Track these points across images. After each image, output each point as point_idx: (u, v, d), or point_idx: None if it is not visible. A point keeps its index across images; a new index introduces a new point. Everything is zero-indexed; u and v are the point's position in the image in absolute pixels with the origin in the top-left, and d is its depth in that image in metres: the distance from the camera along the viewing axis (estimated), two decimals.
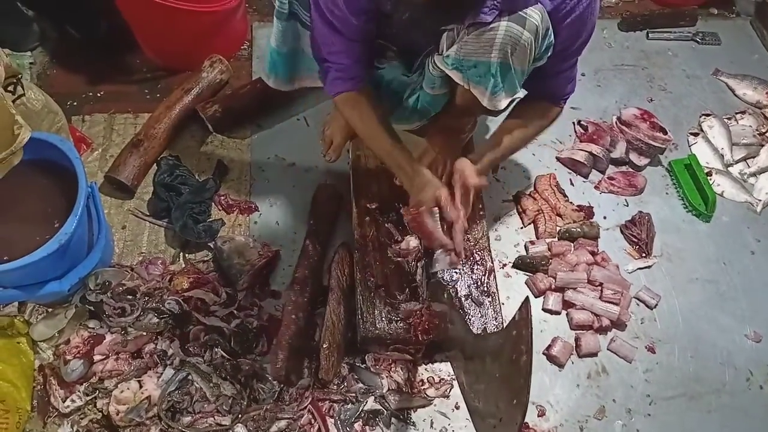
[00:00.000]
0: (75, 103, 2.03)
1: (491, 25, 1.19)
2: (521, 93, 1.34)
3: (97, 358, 1.54)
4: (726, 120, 2.18)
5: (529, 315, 0.92)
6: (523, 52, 1.22)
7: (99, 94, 2.06)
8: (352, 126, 1.59)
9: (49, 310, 1.62)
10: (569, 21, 1.26)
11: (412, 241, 1.67)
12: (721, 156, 2.10)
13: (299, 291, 1.65)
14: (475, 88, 1.30)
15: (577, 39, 1.33)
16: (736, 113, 2.22)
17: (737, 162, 2.10)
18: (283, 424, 1.52)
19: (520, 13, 1.18)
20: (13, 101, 1.48)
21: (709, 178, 2.02)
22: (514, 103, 1.46)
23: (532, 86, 1.42)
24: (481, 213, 1.77)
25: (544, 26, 1.22)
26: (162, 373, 1.53)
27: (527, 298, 0.95)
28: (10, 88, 1.48)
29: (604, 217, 1.95)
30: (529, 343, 0.89)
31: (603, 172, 2.03)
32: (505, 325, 1.58)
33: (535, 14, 1.20)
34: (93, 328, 1.59)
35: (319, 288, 1.71)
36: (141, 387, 1.51)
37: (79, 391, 1.52)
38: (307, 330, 1.64)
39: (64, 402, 1.51)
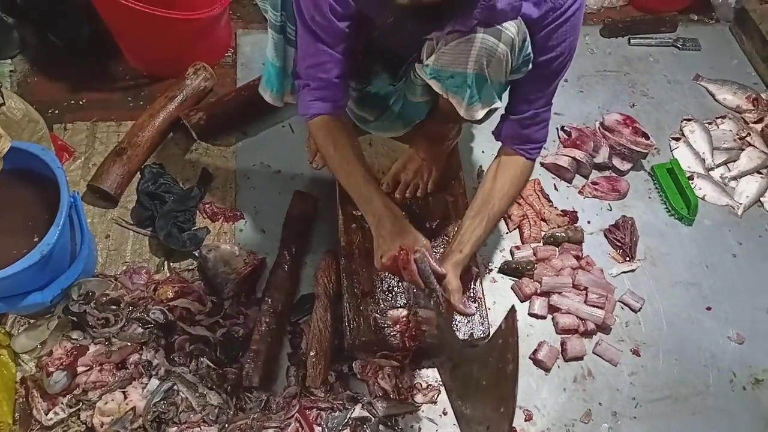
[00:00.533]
0: (57, 112, 2.01)
1: (467, 36, 1.19)
2: (498, 103, 1.34)
3: (80, 369, 1.52)
4: (707, 125, 2.21)
5: (515, 324, 0.92)
6: (498, 64, 1.23)
7: (81, 102, 2.05)
8: (323, 154, 1.50)
9: (31, 321, 1.60)
10: (553, 34, 1.26)
11: None
12: (703, 160, 2.13)
13: (270, 299, 1.65)
14: (453, 97, 1.30)
15: (559, 57, 1.31)
16: (717, 118, 2.25)
17: (718, 166, 2.13)
18: None
19: (496, 26, 1.19)
20: None
21: (690, 182, 2.05)
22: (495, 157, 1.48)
23: (506, 135, 1.44)
24: None
25: (521, 38, 1.22)
26: (147, 384, 1.51)
27: (513, 306, 0.95)
28: None
29: (588, 222, 1.96)
30: (515, 352, 0.90)
31: (586, 177, 2.05)
32: (492, 330, 1.59)
33: (511, 27, 1.20)
34: (76, 339, 1.56)
35: (292, 296, 1.70)
36: (126, 398, 1.49)
37: (62, 403, 1.50)
38: (281, 337, 1.64)
39: (47, 414, 1.48)
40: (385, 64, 1.50)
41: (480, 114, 1.32)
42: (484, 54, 1.21)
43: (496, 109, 1.38)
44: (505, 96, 1.42)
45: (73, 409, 1.50)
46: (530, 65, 1.29)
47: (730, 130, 2.20)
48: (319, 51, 1.36)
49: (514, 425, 1.59)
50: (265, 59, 1.64)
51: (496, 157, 1.50)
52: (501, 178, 1.45)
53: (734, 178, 2.11)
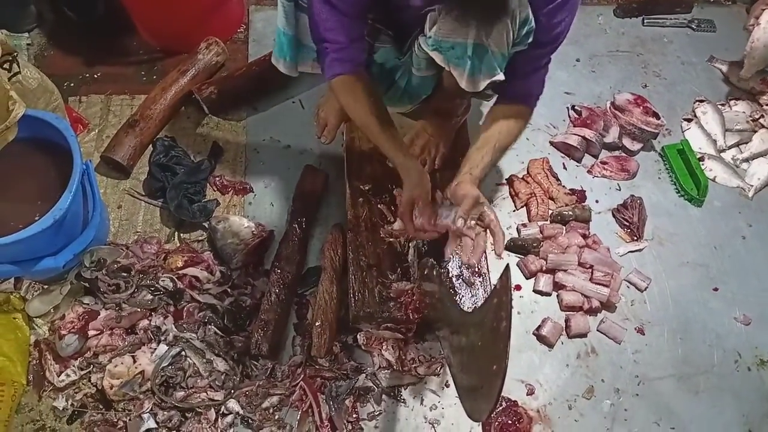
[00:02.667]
0: (72, 85, 2.04)
1: None
2: (500, 75, 1.33)
3: (91, 333, 1.57)
4: (719, 106, 2.18)
5: (509, 282, 0.93)
6: (499, 34, 1.23)
7: (96, 76, 2.08)
8: (347, 111, 1.56)
9: (45, 286, 1.64)
10: (556, 12, 1.27)
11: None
12: (714, 142, 2.11)
13: (280, 270, 1.67)
14: (455, 69, 1.30)
15: (560, 35, 1.33)
16: (730, 99, 2.23)
17: (730, 148, 2.11)
18: (275, 399, 1.54)
19: None
20: (9, 79, 1.49)
21: (701, 163, 2.03)
22: (492, 102, 1.51)
23: (508, 88, 1.44)
24: None
25: (524, 10, 1.22)
26: (156, 349, 1.55)
27: (507, 265, 0.96)
28: (6, 65, 1.50)
29: (597, 201, 1.96)
30: (508, 310, 0.91)
31: (596, 157, 2.05)
32: None
33: None
34: (88, 304, 1.61)
35: (300, 268, 1.73)
36: (135, 362, 1.53)
37: (73, 365, 1.54)
38: (289, 308, 1.66)
39: (59, 376, 1.53)
40: (392, 36, 1.50)
41: (482, 85, 1.32)
42: (484, 23, 1.21)
43: (498, 82, 1.38)
44: None
45: (84, 372, 1.54)
46: (531, 37, 1.29)
47: (743, 112, 2.18)
48: (332, 16, 1.37)
49: (515, 398, 1.62)
50: (276, 29, 1.64)
51: (495, 104, 1.52)
52: (502, 119, 1.47)
53: (746, 160, 2.09)
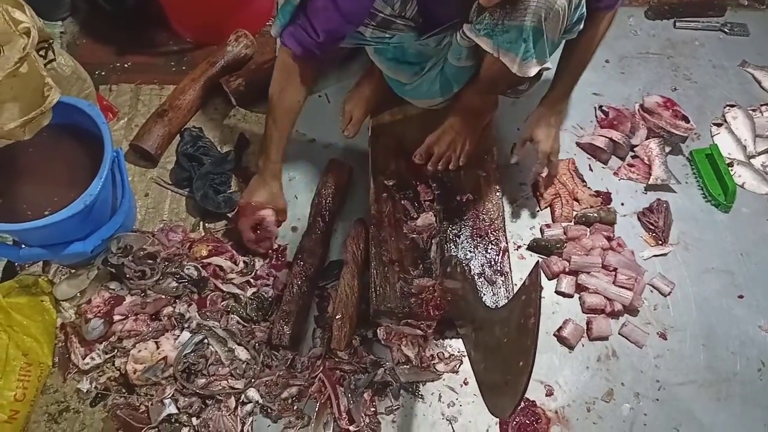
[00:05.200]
0: (103, 73, 2.07)
1: None
2: (549, 64, 1.34)
3: (116, 318, 1.59)
4: (750, 112, 2.15)
5: (539, 278, 0.93)
6: (555, 18, 1.23)
7: (126, 65, 2.11)
8: (272, 84, 1.56)
9: (72, 270, 1.67)
10: None
11: (428, 218, 1.69)
12: (744, 147, 2.08)
13: (303, 262, 1.68)
14: (505, 55, 1.30)
15: None
16: (762, 105, 2.19)
17: (760, 154, 2.08)
18: (294, 390, 1.56)
19: None
20: (44, 65, 1.52)
21: (730, 168, 2.00)
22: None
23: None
24: (497, 193, 1.78)
25: None
26: (179, 336, 1.57)
27: (537, 262, 0.96)
28: (42, 52, 1.52)
29: (622, 204, 1.94)
30: (537, 306, 0.91)
31: (623, 159, 2.03)
32: None
33: None
34: (114, 290, 1.63)
35: (322, 261, 1.74)
36: (158, 348, 1.55)
37: (98, 349, 1.57)
38: (310, 300, 1.68)
39: (83, 359, 1.56)
40: (411, 25, 1.48)
41: (533, 71, 1.32)
42: (543, 6, 1.22)
43: (542, 74, 1.38)
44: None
45: (109, 356, 1.57)
46: (582, 24, 1.28)
47: None
48: (328, 11, 1.35)
49: (534, 399, 1.61)
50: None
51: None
52: (587, 36, 1.48)
53: None
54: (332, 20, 1.37)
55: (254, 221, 1.67)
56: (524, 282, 0.99)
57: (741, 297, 1.82)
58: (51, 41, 1.55)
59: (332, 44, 1.45)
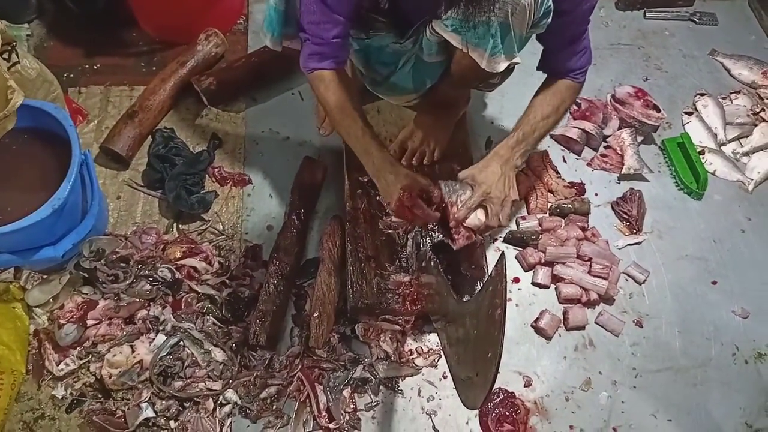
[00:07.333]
0: (71, 75, 2.04)
1: None
2: (518, 59, 1.34)
3: (90, 323, 1.57)
4: (720, 100, 2.18)
5: (504, 269, 0.94)
6: (522, 13, 1.24)
7: (95, 67, 2.08)
8: (323, 107, 1.53)
9: (44, 276, 1.65)
10: None
11: None
12: (715, 135, 2.10)
13: (279, 261, 1.67)
14: (474, 50, 1.31)
15: (581, 4, 1.34)
16: (731, 93, 2.22)
17: (730, 141, 2.11)
18: (273, 390, 1.55)
19: None
20: (8, 68, 1.49)
21: (701, 156, 2.03)
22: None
23: (550, 65, 1.47)
24: None
25: None
26: (154, 339, 1.56)
27: (503, 253, 0.96)
28: (5, 55, 1.50)
29: (596, 194, 1.96)
30: (503, 297, 0.91)
31: (596, 150, 2.04)
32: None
33: None
34: (87, 294, 1.61)
35: (299, 259, 1.73)
36: (133, 351, 1.54)
37: (72, 354, 1.55)
38: (287, 299, 1.67)
39: (58, 365, 1.53)
40: (390, 23, 1.49)
41: (502, 66, 1.32)
42: (510, 1, 1.22)
43: (514, 67, 1.39)
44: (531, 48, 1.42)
45: (83, 361, 1.55)
46: (550, 17, 1.29)
47: (744, 106, 2.17)
48: (320, 10, 1.36)
49: (512, 390, 1.62)
50: (267, 3, 1.61)
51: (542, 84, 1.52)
52: (542, 92, 1.49)
53: (746, 154, 2.09)
54: (329, 18, 1.38)
55: (417, 203, 1.43)
56: (490, 273, 1.00)
57: (714, 283, 1.85)
58: (14, 44, 1.53)
59: (344, 40, 1.44)
